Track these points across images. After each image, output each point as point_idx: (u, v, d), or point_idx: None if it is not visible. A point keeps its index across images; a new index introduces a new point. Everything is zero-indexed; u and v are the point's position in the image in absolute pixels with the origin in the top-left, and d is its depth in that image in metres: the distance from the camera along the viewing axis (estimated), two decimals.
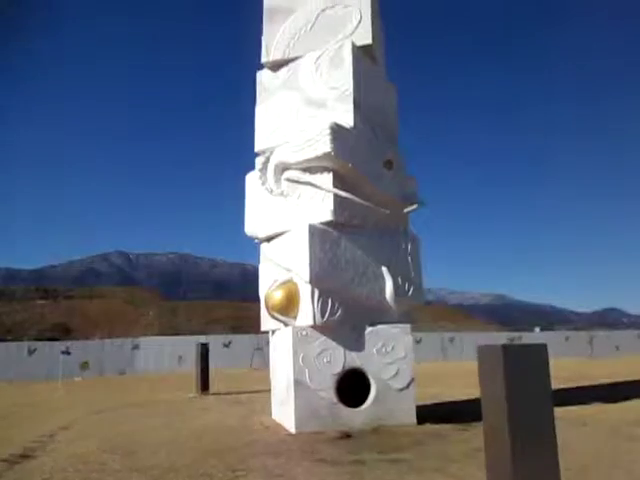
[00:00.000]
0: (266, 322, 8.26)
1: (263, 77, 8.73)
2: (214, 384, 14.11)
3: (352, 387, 7.14)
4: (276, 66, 8.51)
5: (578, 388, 11.86)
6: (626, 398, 9.54)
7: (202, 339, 26.05)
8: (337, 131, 7.19)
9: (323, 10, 8.26)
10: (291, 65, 8.33)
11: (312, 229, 7.16)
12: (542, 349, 2.94)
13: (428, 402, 9.48)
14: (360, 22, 8.04)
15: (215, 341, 27.54)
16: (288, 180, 7.70)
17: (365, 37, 8.04)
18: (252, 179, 8.36)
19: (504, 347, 2.82)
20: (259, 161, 8.15)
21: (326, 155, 7.13)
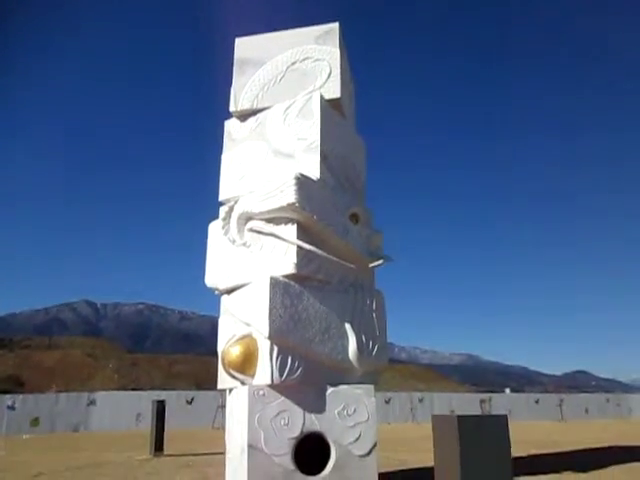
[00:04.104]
0: (223, 380, 7.77)
1: (230, 126, 8.63)
2: (171, 444, 13.31)
3: (311, 452, 6.66)
4: (244, 116, 8.43)
5: (548, 455, 11.50)
6: (597, 467, 9.20)
7: (163, 395, 24.96)
8: (303, 182, 7.02)
9: (293, 63, 8.30)
10: (259, 115, 8.25)
11: (273, 282, 6.83)
12: (502, 420, 2.66)
13: (393, 469, 8.99)
14: (329, 76, 8.07)
15: (177, 397, 26.45)
16: (251, 230, 7.44)
17: (334, 91, 8.05)
18: (215, 229, 8.09)
19: (459, 418, 2.54)
20: (223, 210, 7.90)
21: (290, 206, 6.91)
